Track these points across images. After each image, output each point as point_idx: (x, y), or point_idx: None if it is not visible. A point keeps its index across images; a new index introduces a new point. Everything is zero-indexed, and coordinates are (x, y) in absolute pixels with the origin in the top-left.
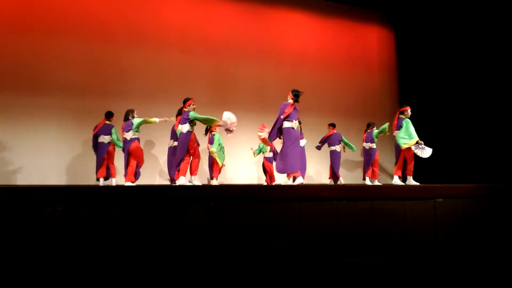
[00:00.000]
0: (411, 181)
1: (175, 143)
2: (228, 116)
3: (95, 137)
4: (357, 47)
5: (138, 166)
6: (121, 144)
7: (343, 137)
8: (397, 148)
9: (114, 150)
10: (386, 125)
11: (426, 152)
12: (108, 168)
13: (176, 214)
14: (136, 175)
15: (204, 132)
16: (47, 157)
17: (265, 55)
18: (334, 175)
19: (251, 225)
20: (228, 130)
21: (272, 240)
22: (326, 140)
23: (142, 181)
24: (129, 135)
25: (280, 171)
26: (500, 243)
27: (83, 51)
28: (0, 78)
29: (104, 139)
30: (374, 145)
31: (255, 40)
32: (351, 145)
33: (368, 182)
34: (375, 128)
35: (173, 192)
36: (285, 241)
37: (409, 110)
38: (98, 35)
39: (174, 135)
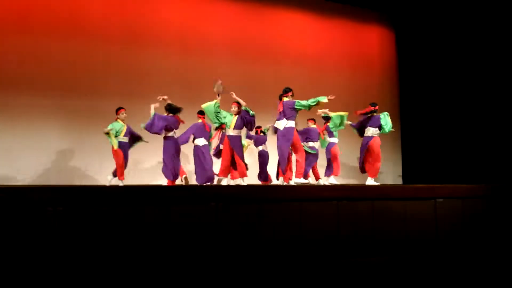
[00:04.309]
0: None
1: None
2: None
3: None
4: (357, 47)
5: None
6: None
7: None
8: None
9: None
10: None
11: None
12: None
13: (177, 214)
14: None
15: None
16: (47, 157)
17: (265, 55)
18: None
19: (251, 225)
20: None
21: (272, 240)
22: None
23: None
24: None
25: None
26: (500, 243)
27: (82, 51)
28: (0, 78)
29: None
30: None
31: (255, 40)
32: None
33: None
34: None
35: (174, 192)
36: (285, 241)
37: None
38: (98, 35)
39: (204, 134)
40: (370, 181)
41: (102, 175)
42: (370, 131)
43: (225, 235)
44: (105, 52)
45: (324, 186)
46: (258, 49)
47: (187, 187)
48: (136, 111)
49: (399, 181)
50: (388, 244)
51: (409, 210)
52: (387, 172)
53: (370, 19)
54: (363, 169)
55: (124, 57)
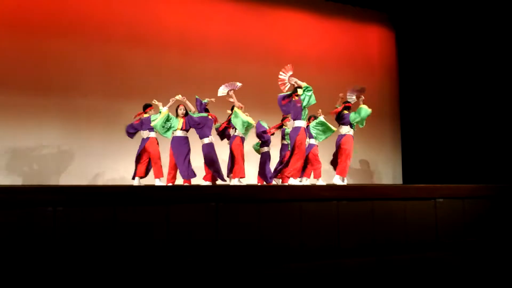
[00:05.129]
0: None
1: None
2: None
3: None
4: (357, 47)
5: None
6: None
7: None
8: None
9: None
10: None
11: None
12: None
13: (176, 214)
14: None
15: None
16: (47, 157)
17: (265, 55)
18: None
19: (251, 225)
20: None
21: (272, 240)
22: None
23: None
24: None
25: None
26: (501, 244)
27: (82, 51)
28: (1, 78)
29: (143, 134)
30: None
31: (256, 40)
32: None
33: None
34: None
35: (174, 192)
36: (285, 241)
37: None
38: (97, 35)
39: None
40: (336, 179)
41: (102, 175)
42: (342, 129)
43: (225, 235)
44: (104, 52)
45: (324, 186)
46: (258, 49)
47: (187, 187)
48: (135, 111)
49: (399, 181)
50: (388, 244)
51: (409, 210)
52: (387, 172)
53: (370, 19)
54: (334, 166)
55: (124, 57)
